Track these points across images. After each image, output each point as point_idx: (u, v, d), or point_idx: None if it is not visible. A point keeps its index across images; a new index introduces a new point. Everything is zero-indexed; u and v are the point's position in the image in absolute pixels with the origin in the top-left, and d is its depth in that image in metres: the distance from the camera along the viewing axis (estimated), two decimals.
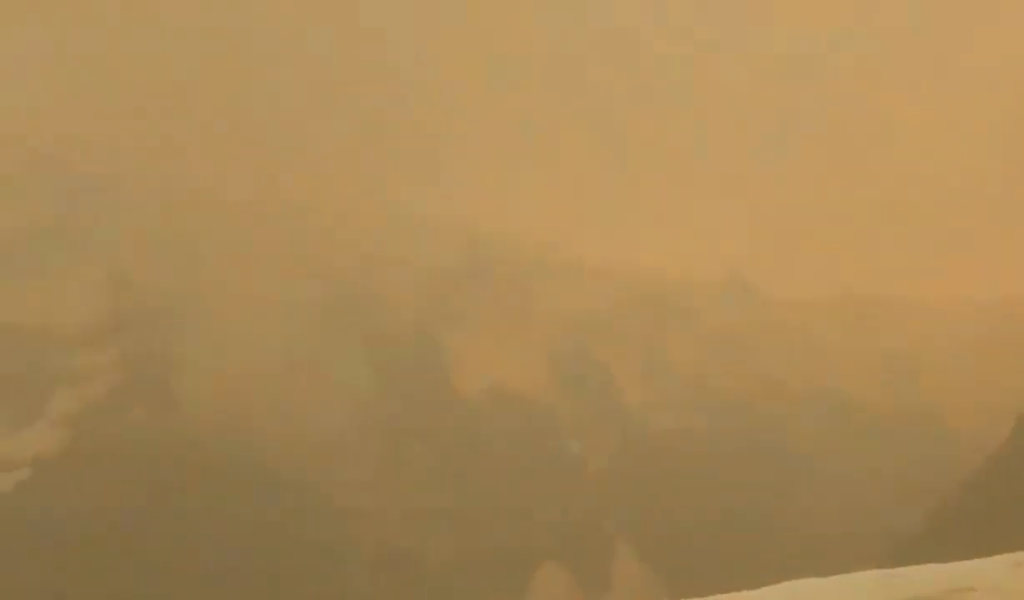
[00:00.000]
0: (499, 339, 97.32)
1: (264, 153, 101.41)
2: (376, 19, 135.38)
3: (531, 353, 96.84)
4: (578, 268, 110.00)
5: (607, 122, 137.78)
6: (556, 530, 72.95)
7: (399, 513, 70.75)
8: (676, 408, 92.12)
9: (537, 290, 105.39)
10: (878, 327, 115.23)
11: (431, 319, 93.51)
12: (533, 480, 78.38)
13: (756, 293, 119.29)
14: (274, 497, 61.80)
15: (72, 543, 51.89)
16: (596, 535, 73.97)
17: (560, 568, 69.16)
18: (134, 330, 73.63)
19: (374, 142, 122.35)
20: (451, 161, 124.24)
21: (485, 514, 73.15)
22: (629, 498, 78.63)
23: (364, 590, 62.82)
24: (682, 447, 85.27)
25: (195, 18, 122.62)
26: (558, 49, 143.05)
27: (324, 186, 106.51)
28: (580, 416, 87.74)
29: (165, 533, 55.06)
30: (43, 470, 57.94)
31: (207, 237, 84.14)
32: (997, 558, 16.44)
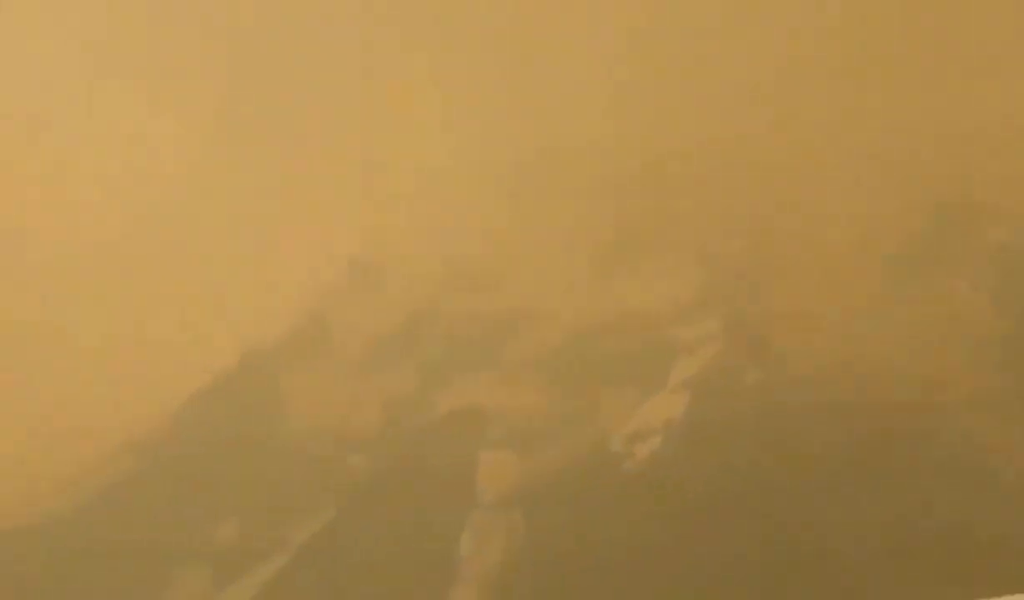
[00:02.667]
0: None
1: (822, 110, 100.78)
2: None
3: None
4: None
5: None
6: None
7: None
8: None
9: None
10: None
11: None
12: None
13: None
14: (887, 434, 61.73)
15: (702, 501, 57.80)
16: None
17: None
18: (729, 298, 78.96)
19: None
20: None
21: None
22: None
23: (1006, 523, 59.54)
24: None
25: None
26: None
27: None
28: None
29: (782, 481, 58.35)
30: (672, 433, 65.19)
31: (783, 201, 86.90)
32: None
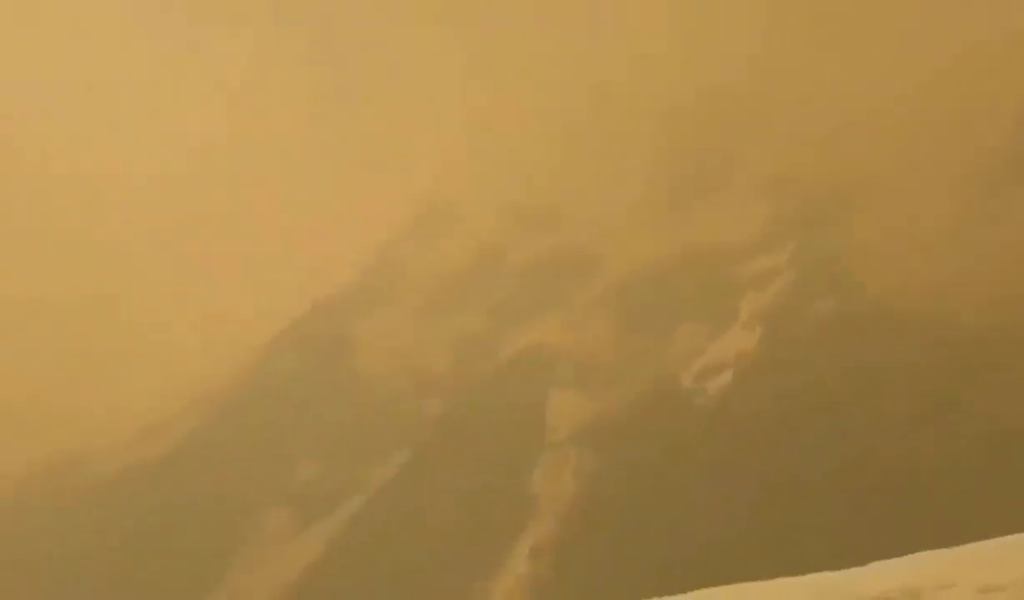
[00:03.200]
0: None
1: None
2: None
3: None
4: None
5: None
6: None
7: None
8: None
9: None
10: None
11: None
12: None
13: None
14: (964, 355, 60.77)
15: (776, 433, 57.76)
16: None
17: None
18: (798, 227, 77.76)
19: None
20: None
21: None
22: None
23: None
24: None
25: None
26: None
27: None
28: None
29: (857, 408, 57.98)
30: (743, 367, 64.93)
31: (850, 125, 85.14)
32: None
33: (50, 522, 77.32)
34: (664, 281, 76.62)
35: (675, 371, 70.83)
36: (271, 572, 65.56)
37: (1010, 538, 13.89)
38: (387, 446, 63.54)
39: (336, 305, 77.35)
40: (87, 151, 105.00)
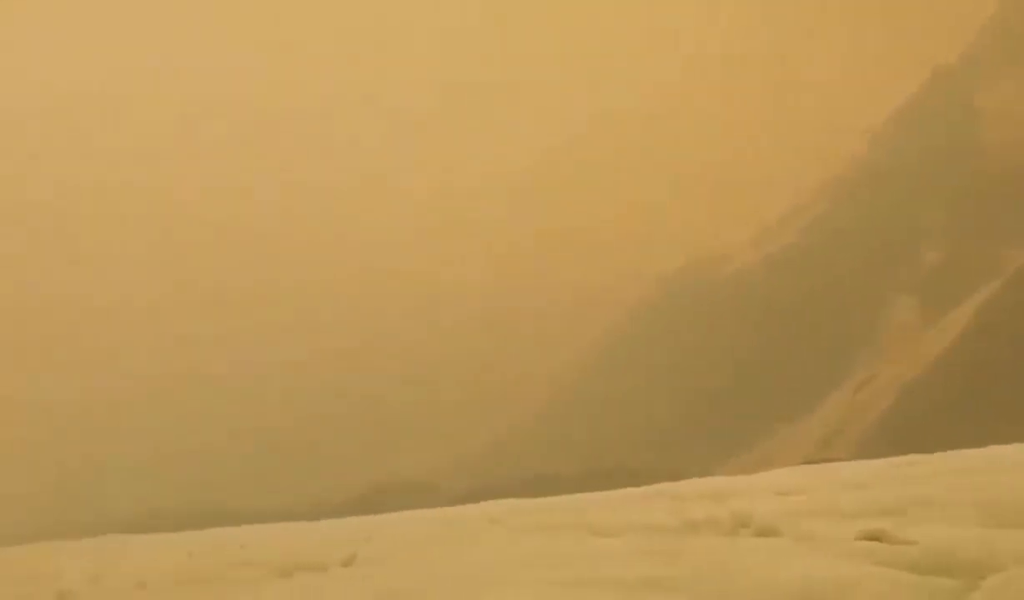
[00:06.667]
0: None
1: None
2: None
3: None
4: None
5: None
6: None
7: None
8: None
9: None
10: None
11: None
12: None
13: None
14: None
15: None
16: None
17: None
18: None
19: None
20: None
21: None
22: None
23: None
24: None
25: None
26: None
27: None
28: None
29: None
30: None
31: None
32: None
33: (693, 315, 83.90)
34: None
35: None
36: (897, 365, 63.34)
37: None
38: (1020, 223, 56.62)
39: (955, 75, 69.44)
40: None
